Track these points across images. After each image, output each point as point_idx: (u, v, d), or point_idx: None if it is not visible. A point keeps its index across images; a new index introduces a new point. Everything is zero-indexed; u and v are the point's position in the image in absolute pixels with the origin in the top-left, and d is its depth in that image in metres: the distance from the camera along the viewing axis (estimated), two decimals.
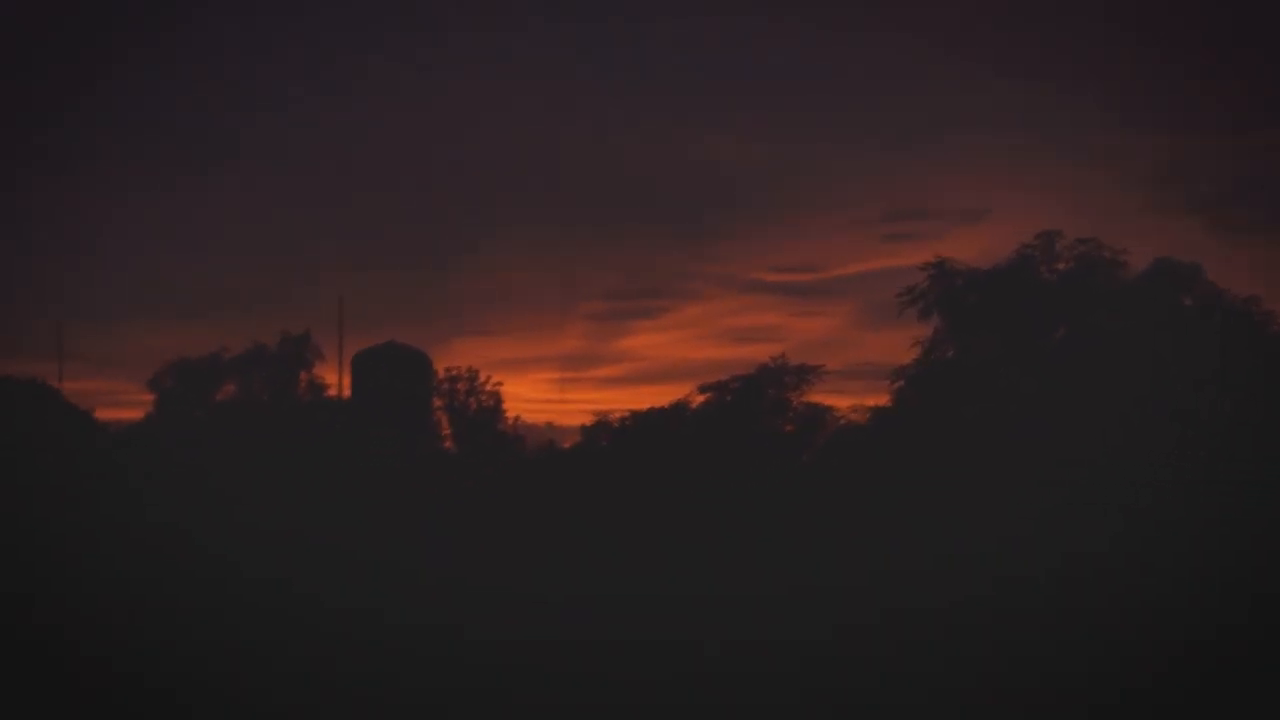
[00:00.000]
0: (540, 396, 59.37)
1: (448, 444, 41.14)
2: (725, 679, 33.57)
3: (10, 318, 69.05)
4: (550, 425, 44.33)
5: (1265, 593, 33.39)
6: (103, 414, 43.83)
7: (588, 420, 39.37)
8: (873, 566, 34.01)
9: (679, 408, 37.28)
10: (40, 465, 40.35)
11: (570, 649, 34.85)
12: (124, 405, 48.47)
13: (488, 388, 41.89)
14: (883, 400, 36.88)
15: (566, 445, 39.50)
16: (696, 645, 34.59)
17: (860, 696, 32.39)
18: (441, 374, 42.97)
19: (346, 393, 44.32)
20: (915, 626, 33.92)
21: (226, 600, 37.37)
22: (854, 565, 34.52)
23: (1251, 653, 30.00)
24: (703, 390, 37.55)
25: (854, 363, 49.41)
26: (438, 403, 41.84)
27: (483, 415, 40.67)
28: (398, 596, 37.45)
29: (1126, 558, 34.71)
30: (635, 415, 38.04)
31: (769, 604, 34.82)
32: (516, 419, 42.50)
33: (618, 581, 36.37)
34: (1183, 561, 34.68)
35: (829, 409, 36.69)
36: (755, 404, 36.66)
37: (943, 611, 33.75)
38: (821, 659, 33.90)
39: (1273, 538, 34.85)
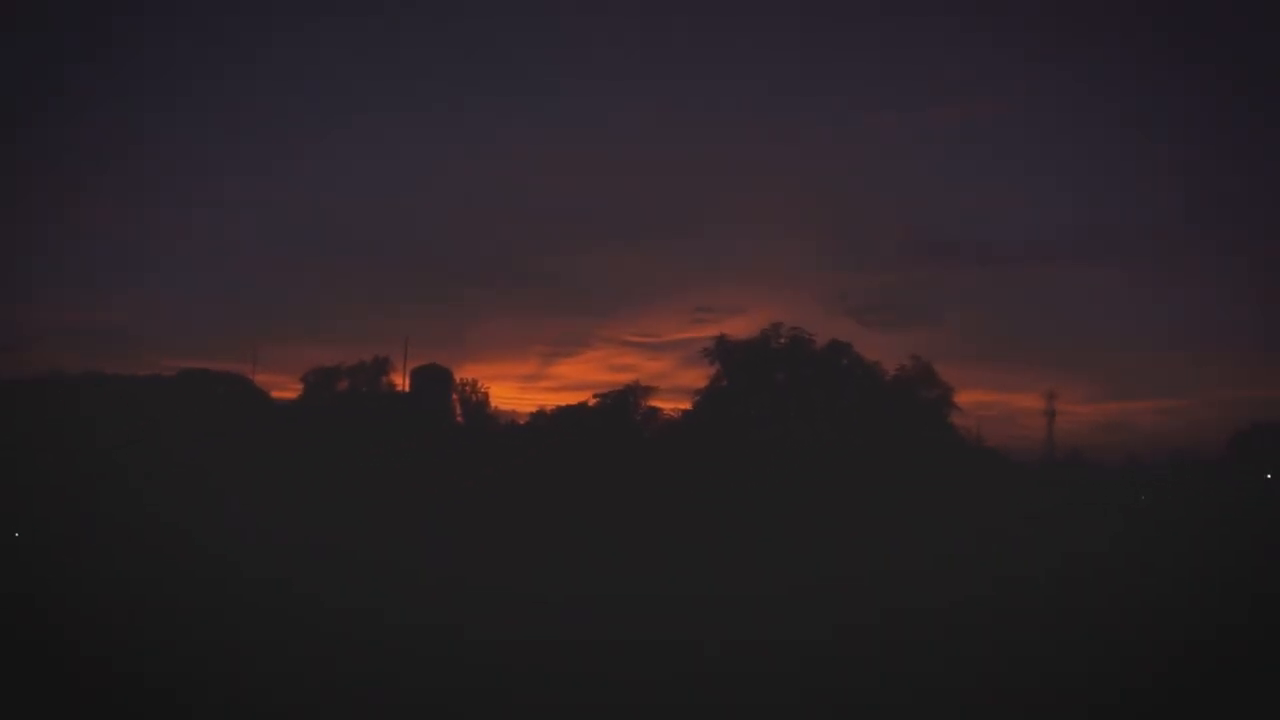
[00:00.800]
0: (510, 396, 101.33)
1: (459, 419, 66.78)
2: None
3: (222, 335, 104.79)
4: (514, 412, 70.52)
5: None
6: (276, 394, 69.24)
7: (533, 409, 67.53)
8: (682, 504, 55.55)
9: (583, 406, 64.12)
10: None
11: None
12: (287, 389, 71.54)
13: (481, 389, 67.91)
14: (687, 406, 62.94)
15: (522, 423, 67.01)
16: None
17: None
18: (458, 381, 68.80)
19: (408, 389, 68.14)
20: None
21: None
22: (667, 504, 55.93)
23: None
24: (596, 396, 64.18)
25: (674, 386, 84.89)
26: (455, 397, 67.43)
27: (478, 404, 67.01)
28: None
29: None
30: (560, 408, 66.01)
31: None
32: (495, 408, 68.68)
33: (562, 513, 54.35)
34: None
35: (659, 409, 63.28)
36: (622, 404, 65.56)
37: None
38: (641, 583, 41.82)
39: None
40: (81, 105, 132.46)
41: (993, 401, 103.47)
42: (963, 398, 61.97)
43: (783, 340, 62.46)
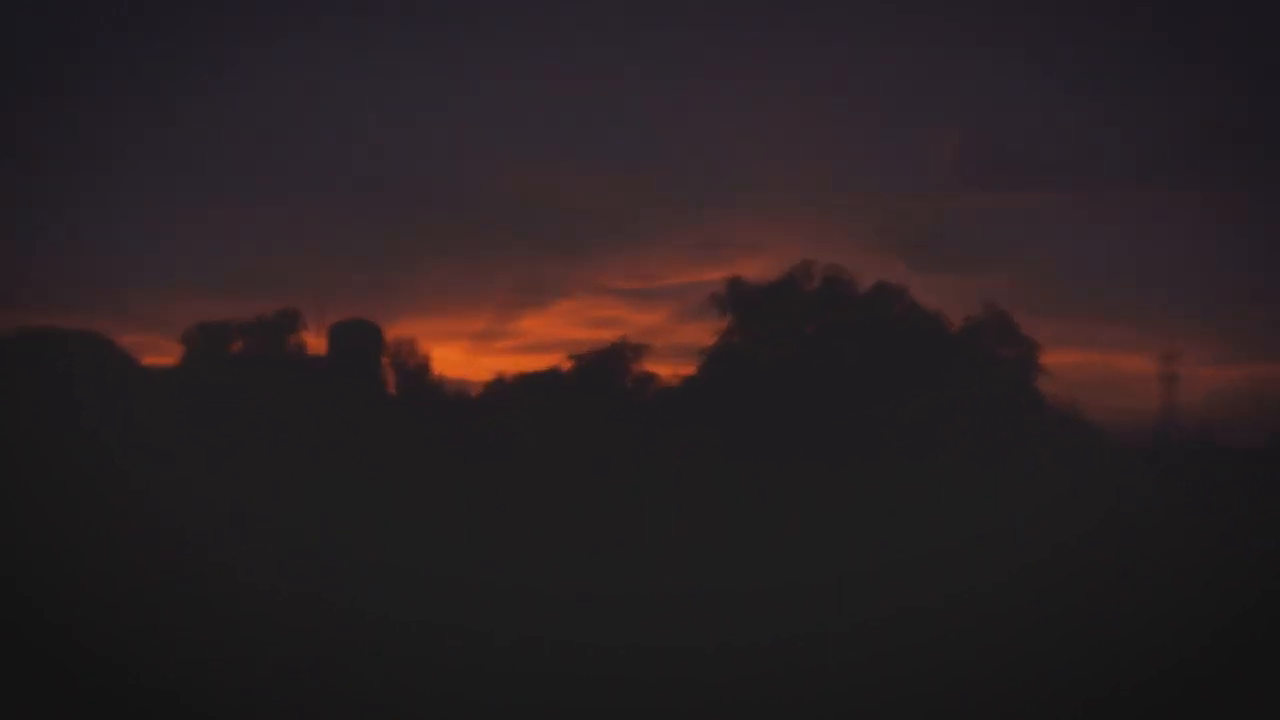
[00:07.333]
0: (458, 360, 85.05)
1: (391, 390, 55.46)
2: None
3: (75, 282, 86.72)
4: (464, 380, 59.31)
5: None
6: (147, 360, 56.48)
7: (490, 376, 55.86)
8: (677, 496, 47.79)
9: (554, 371, 52.56)
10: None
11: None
12: (162, 353, 58.74)
13: (420, 351, 56.01)
14: (690, 369, 52.62)
15: (475, 395, 54.67)
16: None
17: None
18: (390, 340, 57.29)
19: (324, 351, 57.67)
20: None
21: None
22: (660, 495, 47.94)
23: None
24: (571, 358, 52.92)
25: (672, 344, 68.07)
26: (386, 360, 56.03)
27: (416, 369, 55.48)
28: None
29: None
30: (525, 375, 53.33)
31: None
32: (439, 374, 56.73)
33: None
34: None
35: (653, 374, 52.17)
36: (606, 368, 53.07)
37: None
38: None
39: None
40: None
41: (1090, 363, 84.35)
42: (1051, 358, 52.73)
43: (815, 283, 52.46)
